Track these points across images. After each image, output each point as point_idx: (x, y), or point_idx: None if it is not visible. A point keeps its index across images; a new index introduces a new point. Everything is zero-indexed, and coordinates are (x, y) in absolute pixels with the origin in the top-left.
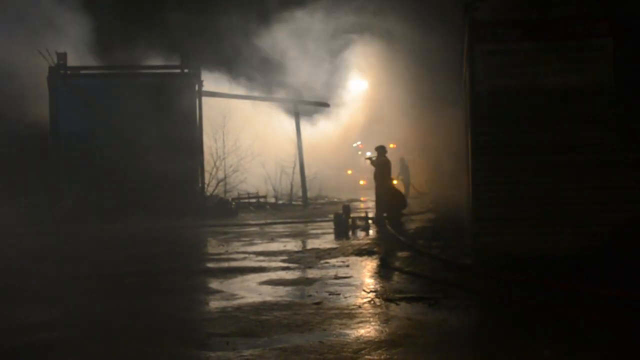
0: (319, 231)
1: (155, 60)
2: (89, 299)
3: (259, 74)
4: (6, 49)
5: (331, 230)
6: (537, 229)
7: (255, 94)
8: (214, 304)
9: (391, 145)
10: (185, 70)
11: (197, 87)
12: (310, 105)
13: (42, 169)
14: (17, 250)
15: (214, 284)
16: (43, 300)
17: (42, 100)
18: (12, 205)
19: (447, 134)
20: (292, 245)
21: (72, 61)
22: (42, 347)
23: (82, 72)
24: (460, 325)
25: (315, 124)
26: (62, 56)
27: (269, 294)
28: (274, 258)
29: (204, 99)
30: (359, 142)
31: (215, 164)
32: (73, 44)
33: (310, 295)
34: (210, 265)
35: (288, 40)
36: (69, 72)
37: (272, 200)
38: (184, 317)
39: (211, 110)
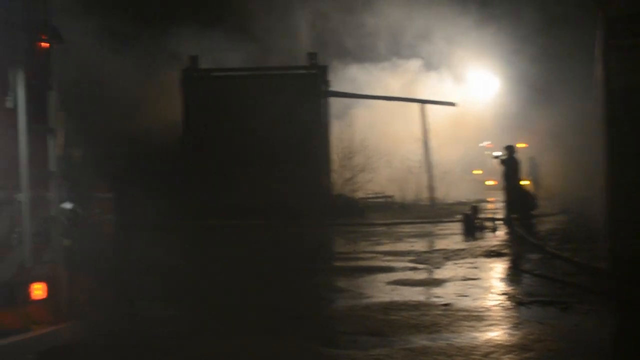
0: (447, 232)
1: (283, 61)
2: (218, 294)
3: (386, 73)
4: (141, 53)
5: (459, 231)
6: None
7: (381, 93)
8: (342, 302)
9: (521, 145)
10: (312, 71)
11: (323, 87)
12: (437, 105)
13: (175, 169)
14: (148, 247)
15: (342, 283)
16: (173, 294)
17: (175, 101)
18: (144, 204)
19: (580, 132)
20: (420, 245)
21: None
22: (173, 338)
23: (213, 73)
24: (595, 332)
25: (441, 123)
26: (194, 59)
27: (397, 294)
28: (401, 258)
29: (331, 98)
30: (487, 142)
31: (342, 163)
32: (203, 45)
33: (438, 296)
34: (338, 264)
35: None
36: (200, 74)
37: (399, 200)
38: (312, 315)
39: (338, 110)
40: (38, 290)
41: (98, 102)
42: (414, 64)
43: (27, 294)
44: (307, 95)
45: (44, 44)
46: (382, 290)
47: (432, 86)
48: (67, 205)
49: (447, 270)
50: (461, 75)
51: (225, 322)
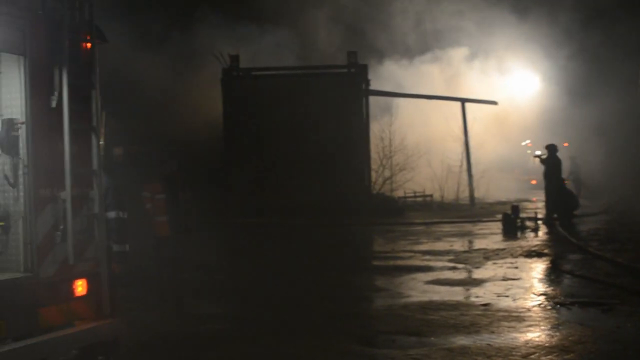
0: (486, 231)
1: (322, 60)
2: (257, 293)
3: (426, 68)
4: (184, 53)
5: (499, 231)
6: None
7: (422, 90)
8: (380, 301)
9: (563, 144)
10: (352, 70)
11: (363, 86)
12: (477, 103)
13: (218, 169)
14: (197, 247)
15: (380, 282)
16: (220, 293)
17: (216, 100)
18: (194, 204)
19: (623, 130)
20: (459, 244)
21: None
22: (214, 336)
23: (254, 73)
24: (638, 334)
25: (482, 121)
26: (235, 58)
27: (436, 294)
28: (440, 257)
29: (371, 97)
30: (528, 141)
31: (381, 163)
32: (245, 45)
33: (477, 296)
34: (376, 263)
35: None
36: (241, 73)
37: (439, 199)
38: (350, 314)
39: (379, 108)
40: (80, 287)
41: (140, 101)
42: (456, 57)
43: (70, 290)
44: (347, 94)
45: (88, 44)
46: (420, 290)
47: (473, 82)
48: (111, 215)
49: (486, 270)
50: (503, 72)
51: (266, 320)
